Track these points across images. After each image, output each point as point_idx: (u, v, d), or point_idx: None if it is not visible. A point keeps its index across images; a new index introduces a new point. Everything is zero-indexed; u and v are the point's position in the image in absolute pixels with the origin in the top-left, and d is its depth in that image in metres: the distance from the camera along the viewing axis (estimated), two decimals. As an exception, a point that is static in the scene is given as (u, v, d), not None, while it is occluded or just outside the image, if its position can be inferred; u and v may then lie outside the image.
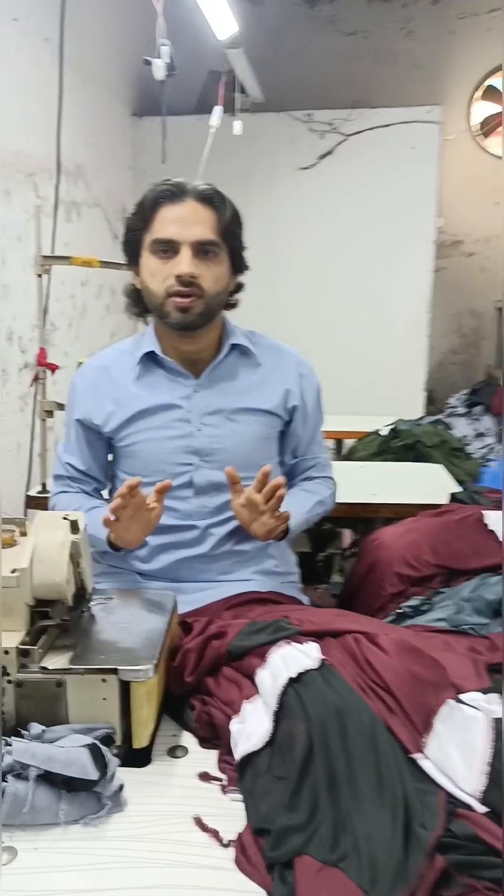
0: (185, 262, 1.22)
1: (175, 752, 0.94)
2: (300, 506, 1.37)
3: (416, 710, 0.83)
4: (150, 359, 1.36)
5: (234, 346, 1.37)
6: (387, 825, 0.73)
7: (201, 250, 1.25)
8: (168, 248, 1.24)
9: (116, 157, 3.68)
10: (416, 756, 0.80)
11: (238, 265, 1.35)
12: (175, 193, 1.24)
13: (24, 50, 2.64)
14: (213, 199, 1.26)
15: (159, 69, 1.94)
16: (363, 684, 0.88)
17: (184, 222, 1.24)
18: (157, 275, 1.25)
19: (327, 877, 0.70)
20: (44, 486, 2.00)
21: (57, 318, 3.09)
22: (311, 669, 0.88)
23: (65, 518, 0.94)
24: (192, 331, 1.29)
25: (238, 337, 1.38)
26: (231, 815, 0.83)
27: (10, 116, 2.59)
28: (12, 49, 2.57)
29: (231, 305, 1.40)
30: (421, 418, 3.12)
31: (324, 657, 0.91)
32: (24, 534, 0.98)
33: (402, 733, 0.82)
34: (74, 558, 0.93)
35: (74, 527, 0.93)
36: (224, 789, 0.87)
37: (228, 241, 1.29)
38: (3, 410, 2.63)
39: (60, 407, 1.92)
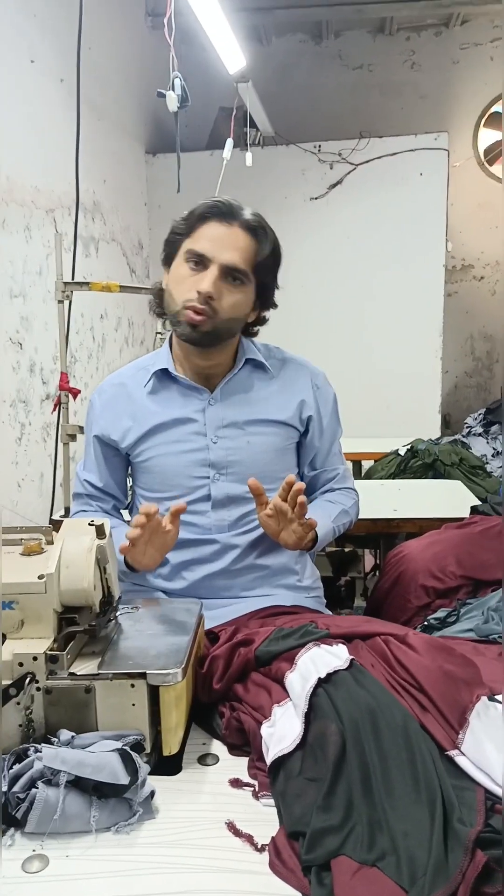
0: (208, 280, 1.24)
1: (205, 759, 0.93)
2: (325, 515, 1.37)
3: (450, 707, 0.82)
4: (164, 374, 1.38)
5: (248, 361, 1.39)
6: (425, 822, 0.71)
7: (229, 274, 1.26)
8: (199, 262, 1.26)
9: (131, 194, 3.77)
10: (452, 753, 0.79)
11: (266, 301, 1.37)
12: (224, 214, 1.27)
13: (40, 90, 2.74)
14: (257, 231, 1.28)
15: (172, 101, 2.00)
16: (395, 683, 0.87)
17: (222, 243, 1.26)
18: (182, 283, 1.28)
19: (366, 877, 0.69)
20: (67, 510, 2.01)
21: (77, 351, 3.14)
22: (341, 669, 0.87)
23: (91, 524, 0.95)
24: (200, 347, 1.31)
25: (252, 352, 1.40)
26: (264, 819, 0.82)
27: (29, 155, 2.67)
28: (30, 90, 2.67)
29: (250, 335, 1.43)
30: (439, 439, 3.11)
31: (353, 657, 0.90)
32: (50, 542, 0.99)
33: (437, 731, 0.80)
34: (101, 563, 0.94)
35: (100, 532, 0.94)
36: (256, 794, 0.86)
37: (259, 274, 1.31)
38: (26, 441, 2.66)
39: (83, 430, 1.95)
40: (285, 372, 1.42)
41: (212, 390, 1.36)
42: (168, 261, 1.34)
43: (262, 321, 1.41)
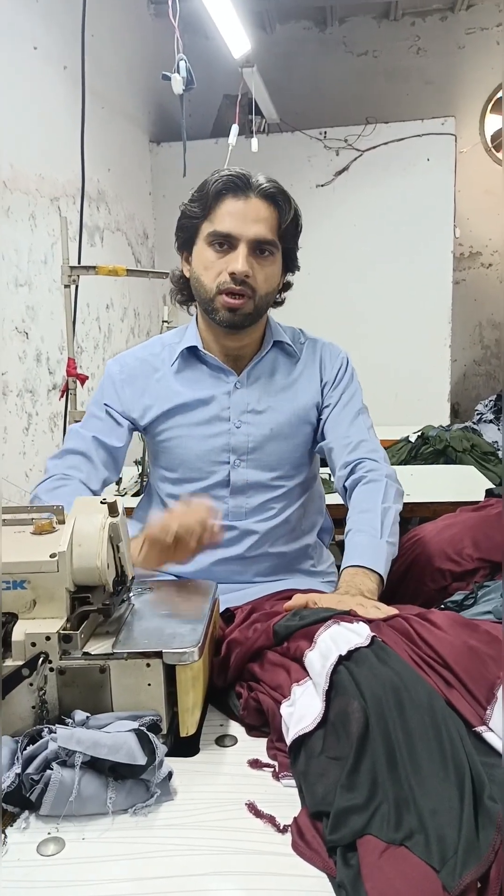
0: (240, 260, 1.20)
1: (223, 741, 0.91)
2: (371, 541, 1.21)
3: (477, 683, 0.79)
4: (191, 353, 1.34)
5: (276, 343, 1.36)
6: (454, 800, 0.69)
7: (258, 248, 1.23)
8: (225, 243, 1.22)
9: (136, 183, 3.74)
10: (481, 729, 0.76)
11: (290, 265, 1.34)
12: (240, 187, 1.21)
13: (44, 78, 2.71)
14: (276, 197, 1.23)
15: (177, 83, 1.97)
16: (419, 660, 0.84)
17: (245, 218, 1.21)
18: (211, 268, 1.23)
19: (394, 856, 0.66)
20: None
21: (84, 341, 3.12)
22: (363, 647, 0.84)
23: (103, 502, 0.92)
24: (239, 330, 1.27)
25: (280, 333, 1.36)
26: (285, 800, 0.80)
27: (32, 142, 2.64)
28: (33, 77, 2.64)
29: (278, 303, 1.37)
30: (449, 426, 3.07)
31: (374, 634, 0.87)
32: (61, 521, 0.97)
33: (464, 707, 0.78)
34: (114, 542, 0.91)
35: (113, 510, 0.91)
36: (276, 775, 0.83)
37: (285, 241, 1.28)
38: (33, 431, 2.64)
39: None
40: (309, 354, 1.39)
41: (238, 372, 1.33)
42: (186, 247, 1.30)
43: (287, 287, 1.37)
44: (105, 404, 1.36)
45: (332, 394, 1.37)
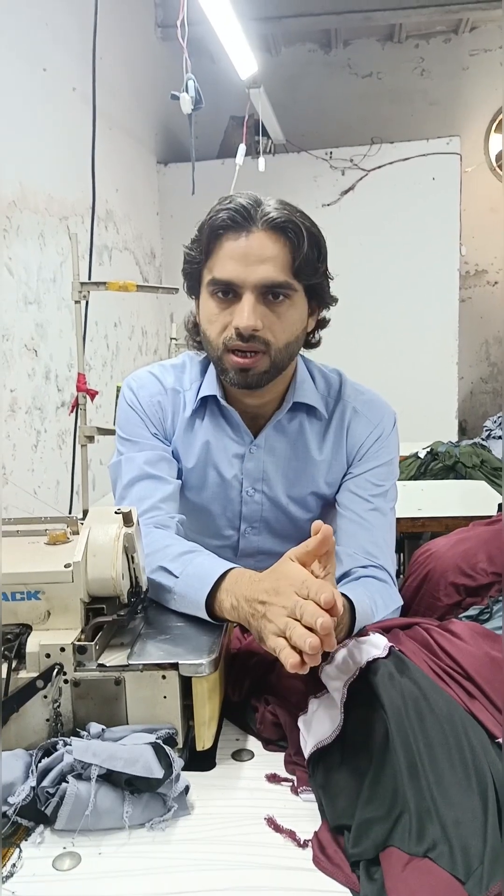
0: (245, 313, 1.01)
1: (240, 755, 0.89)
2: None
3: (499, 693, 0.78)
4: (210, 400, 1.18)
5: (298, 404, 1.18)
6: (477, 810, 0.67)
7: (268, 293, 1.03)
8: (228, 291, 1.04)
9: (144, 203, 3.78)
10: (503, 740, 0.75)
11: (321, 301, 1.12)
12: (240, 223, 1.00)
13: (52, 99, 2.75)
14: (286, 228, 1.01)
15: (186, 103, 1.99)
16: (439, 671, 0.83)
17: (247, 259, 1.01)
18: (215, 321, 1.06)
19: (418, 868, 0.65)
20: (85, 513, 1.98)
21: (92, 359, 3.14)
22: (380, 658, 0.83)
23: (118, 511, 0.92)
24: (254, 389, 1.10)
25: (304, 391, 1.17)
26: (305, 814, 0.78)
27: (41, 162, 2.68)
28: (42, 98, 2.68)
29: (312, 345, 1.19)
30: (458, 442, 3.07)
31: (392, 644, 0.86)
32: (75, 532, 0.96)
33: (486, 718, 0.76)
34: (128, 552, 0.91)
35: (127, 519, 0.91)
36: (295, 789, 0.82)
37: (304, 277, 1.05)
38: (42, 448, 2.65)
39: (101, 432, 1.92)
40: (339, 419, 1.20)
41: (256, 432, 1.18)
42: (194, 292, 1.13)
43: (323, 324, 1.17)
44: (151, 429, 1.19)
45: (352, 469, 1.20)
